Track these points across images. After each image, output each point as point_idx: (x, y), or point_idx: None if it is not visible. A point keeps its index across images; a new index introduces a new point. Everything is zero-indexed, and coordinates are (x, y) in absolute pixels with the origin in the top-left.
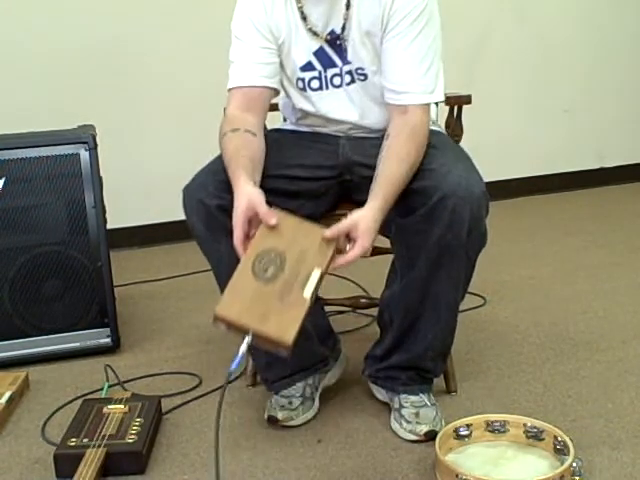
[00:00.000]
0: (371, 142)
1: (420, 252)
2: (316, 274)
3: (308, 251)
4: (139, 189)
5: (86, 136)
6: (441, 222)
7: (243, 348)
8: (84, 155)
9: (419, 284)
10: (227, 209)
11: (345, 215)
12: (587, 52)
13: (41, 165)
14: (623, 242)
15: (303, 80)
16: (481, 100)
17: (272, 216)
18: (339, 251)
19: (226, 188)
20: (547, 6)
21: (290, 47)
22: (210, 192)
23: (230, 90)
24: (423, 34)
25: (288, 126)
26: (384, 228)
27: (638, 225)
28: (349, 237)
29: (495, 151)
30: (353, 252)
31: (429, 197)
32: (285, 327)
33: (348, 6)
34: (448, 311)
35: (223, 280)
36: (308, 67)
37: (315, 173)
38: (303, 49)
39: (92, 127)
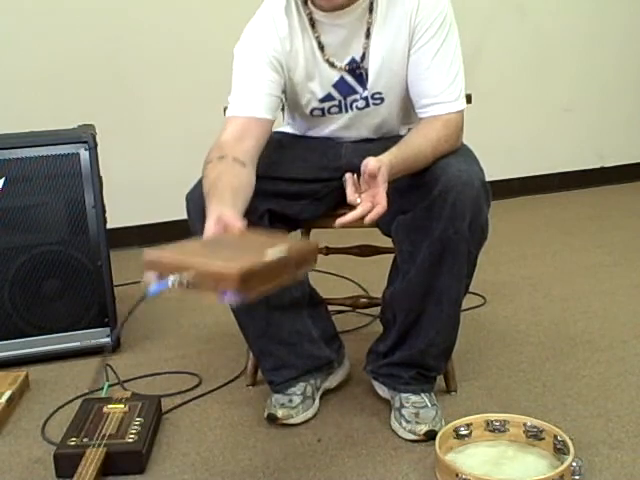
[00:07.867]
0: (374, 144)
1: (422, 248)
2: (282, 247)
3: (267, 243)
4: (139, 189)
5: (86, 136)
6: (442, 216)
7: (172, 279)
8: (84, 155)
9: (422, 280)
10: None
11: (345, 214)
12: (587, 52)
13: (41, 165)
14: (623, 242)
15: (322, 109)
16: (481, 100)
17: (238, 220)
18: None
19: None
20: (547, 5)
21: (307, 79)
22: None
23: (228, 118)
24: (447, 42)
25: (290, 129)
26: (386, 226)
27: (638, 225)
28: (367, 182)
29: (495, 151)
30: (376, 210)
31: (429, 191)
32: (234, 264)
33: (368, 35)
34: (451, 307)
35: None
36: (328, 98)
37: (317, 175)
38: (323, 81)
39: (92, 127)
